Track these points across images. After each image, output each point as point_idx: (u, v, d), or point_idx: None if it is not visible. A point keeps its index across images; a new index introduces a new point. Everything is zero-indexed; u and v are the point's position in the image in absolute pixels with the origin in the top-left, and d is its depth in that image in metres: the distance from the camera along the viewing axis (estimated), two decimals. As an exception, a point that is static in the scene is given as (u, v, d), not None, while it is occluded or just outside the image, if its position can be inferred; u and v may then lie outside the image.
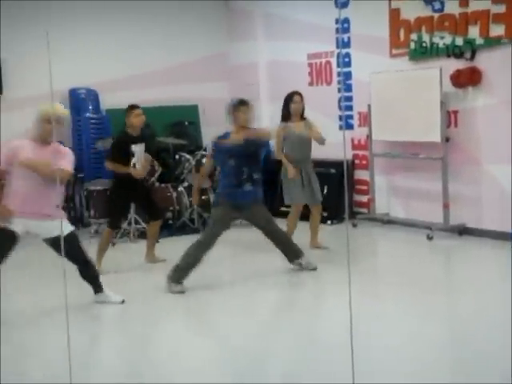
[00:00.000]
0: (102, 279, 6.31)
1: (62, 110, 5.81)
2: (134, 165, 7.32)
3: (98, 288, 6.19)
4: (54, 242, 5.63)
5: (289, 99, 7.91)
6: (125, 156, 7.33)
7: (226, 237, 6.74)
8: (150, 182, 9.27)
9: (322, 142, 7.99)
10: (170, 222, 9.48)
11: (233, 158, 6.49)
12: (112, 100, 10.42)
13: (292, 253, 7.02)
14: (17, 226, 5.64)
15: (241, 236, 8.47)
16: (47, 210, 5.63)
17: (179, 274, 6.47)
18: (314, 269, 7.02)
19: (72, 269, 5.75)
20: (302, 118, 8.01)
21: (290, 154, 7.88)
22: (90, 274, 6.08)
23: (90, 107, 10.43)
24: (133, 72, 10.82)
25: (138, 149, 7.37)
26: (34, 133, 5.76)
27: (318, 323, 5.59)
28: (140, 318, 5.97)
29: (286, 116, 7.95)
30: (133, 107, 7.57)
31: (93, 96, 10.46)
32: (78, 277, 5.97)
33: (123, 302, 6.18)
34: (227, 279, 7.14)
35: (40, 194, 5.61)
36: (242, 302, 6.27)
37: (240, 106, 6.61)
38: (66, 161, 5.70)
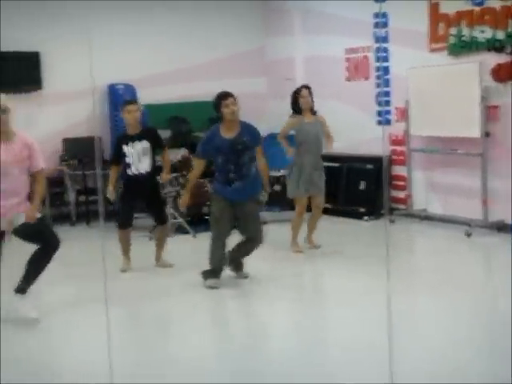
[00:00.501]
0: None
1: (3, 97, 5.52)
2: (129, 165, 7.08)
3: (23, 286, 5.69)
4: (22, 229, 5.55)
5: (296, 94, 7.76)
6: (118, 157, 7.16)
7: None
8: (187, 177, 9.31)
9: (330, 146, 7.86)
10: (207, 217, 9.47)
11: (220, 155, 6.37)
12: (150, 95, 10.47)
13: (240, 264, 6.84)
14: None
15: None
16: (24, 205, 5.59)
17: (207, 271, 6.55)
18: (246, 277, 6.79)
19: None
20: (313, 112, 7.86)
21: (300, 148, 7.73)
22: (36, 262, 5.67)
23: (130, 99, 10.47)
24: (170, 67, 10.87)
25: (132, 149, 7.08)
26: None
27: (354, 321, 5.54)
28: (167, 314, 6.00)
29: (296, 111, 7.78)
30: (126, 102, 7.32)
31: (131, 91, 10.52)
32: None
33: (36, 319, 5.65)
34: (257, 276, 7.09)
35: (16, 192, 5.53)
36: (274, 300, 6.24)
37: (221, 100, 6.40)
38: (40, 159, 5.68)
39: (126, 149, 7.08)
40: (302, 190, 7.75)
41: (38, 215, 5.67)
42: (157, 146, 7.26)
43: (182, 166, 9.31)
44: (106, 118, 10.56)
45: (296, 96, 7.76)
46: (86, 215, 10.03)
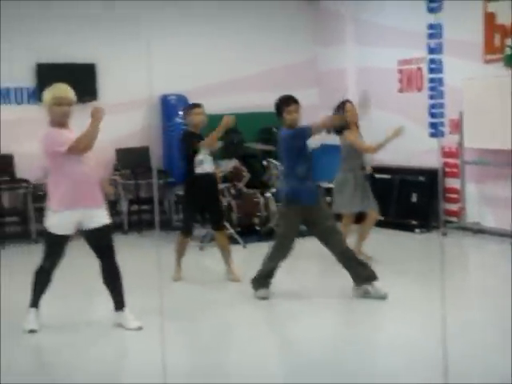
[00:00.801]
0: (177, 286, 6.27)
1: (69, 90, 5.55)
2: (201, 161, 7.03)
3: (119, 303, 5.70)
4: (92, 233, 5.50)
5: (340, 109, 7.54)
6: (193, 152, 7.03)
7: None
8: (238, 188, 9.36)
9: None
10: (257, 227, 9.51)
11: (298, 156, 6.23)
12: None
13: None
14: (69, 218, 5.42)
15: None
16: (99, 197, 5.53)
17: (259, 280, 6.44)
18: (383, 297, 6.29)
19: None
20: (357, 126, 7.71)
21: (349, 161, 7.59)
22: (115, 276, 5.63)
23: (180, 113, 10.59)
24: (222, 78, 10.94)
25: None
26: (50, 119, 5.52)
27: (407, 335, 5.48)
28: (221, 325, 5.95)
29: (342, 127, 7.53)
30: (194, 105, 7.32)
31: (183, 102, 10.61)
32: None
33: (140, 328, 5.61)
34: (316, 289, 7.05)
35: (92, 181, 5.47)
36: (327, 311, 6.21)
37: (284, 106, 6.27)
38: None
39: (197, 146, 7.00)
40: (356, 205, 7.59)
41: (107, 221, 5.61)
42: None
43: (233, 177, 9.35)
44: (157, 128, 10.68)
45: (340, 111, 7.53)
46: (137, 224, 10.14)
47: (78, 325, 5.84)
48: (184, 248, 7.20)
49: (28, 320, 5.54)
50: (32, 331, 5.50)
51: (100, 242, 5.54)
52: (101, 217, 5.54)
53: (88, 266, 6.01)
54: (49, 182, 5.55)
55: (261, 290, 6.42)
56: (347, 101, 7.69)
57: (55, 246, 5.51)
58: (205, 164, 7.04)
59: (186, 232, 7.15)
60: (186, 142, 7.09)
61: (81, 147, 5.36)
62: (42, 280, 5.57)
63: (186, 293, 6.83)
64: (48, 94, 5.48)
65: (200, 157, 7.00)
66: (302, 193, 6.22)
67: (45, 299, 5.68)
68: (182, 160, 7.27)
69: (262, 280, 6.44)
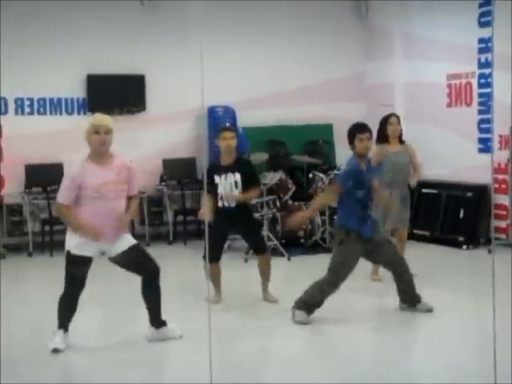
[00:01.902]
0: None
1: (107, 118, 5.47)
2: (221, 197, 6.71)
3: (157, 319, 5.64)
4: (122, 257, 5.47)
5: (385, 121, 7.55)
6: (212, 185, 6.70)
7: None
8: (283, 200, 9.36)
9: (415, 179, 7.62)
10: (302, 240, 9.50)
11: (362, 189, 6.13)
12: (249, 118, 10.61)
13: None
14: (91, 249, 5.42)
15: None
16: (121, 229, 5.48)
17: (306, 307, 6.16)
18: (430, 310, 6.34)
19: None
20: (401, 141, 7.59)
21: (384, 178, 7.25)
22: (154, 291, 5.57)
23: (228, 125, 10.64)
24: (269, 91, 10.97)
25: (224, 181, 6.70)
26: (90, 149, 5.45)
27: (458, 351, 5.41)
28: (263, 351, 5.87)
29: (382, 138, 7.52)
30: (222, 129, 6.95)
31: (230, 114, 10.69)
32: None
33: (181, 337, 5.62)
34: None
35: (114, 214, 5.40)
36: (367, 331, 6.16)
37: (357, 133, 6.20)
38: (136, 185, 5.61)
39: (218, 179, 6.73)
40: (388, 225, 7.42)
41: (133, 241, 5.56)
42: (249, 182, 6.79)
43: (278, 189, 9.35)
44: (204, 139, 10.76)
45: (384, 123, 7.54)
46: (183, 235, 10.21)
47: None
48: (215, 275, 6.87)
49: (54, 340, 5.42)
50: (56, 350, 5.38)
51: (131, 262, 5.50)
52: (123, 243, 5.48)
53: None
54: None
55: (303, 314, 6.13)
56: (393, 114, 7.67)
57: (77, 269, 5.43)
58: (224, 199, 6.74)
59: (210, 258, 6.77)
60: (207, 175, 6.82)
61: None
62: (66, 306, 5.48)
63: (225, 316, 6.44)
64: (88, 122, 5.45)
65: (219, 190, 6.72)
66: (363, 225, 6.14)
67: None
68: None
69: (308, 306, 6.15)
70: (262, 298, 6.93)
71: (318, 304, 6.15)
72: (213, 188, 6.70)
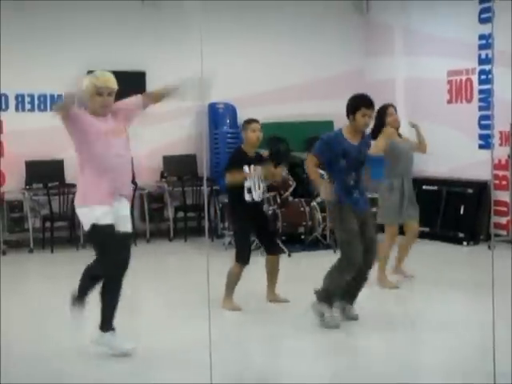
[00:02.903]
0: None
1: (111, 78, 5.13)
2: (249, 190, 6.36)
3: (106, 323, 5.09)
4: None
5: (382, 112, 7.13)
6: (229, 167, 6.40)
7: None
8: (283, 197, 9.36)
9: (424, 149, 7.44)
10: (302, 236, 9.51)
11: (344, 159, 5.75)
12: (249, 115, 10.52)
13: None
14: (108, 217, 4.96)
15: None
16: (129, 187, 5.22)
17: (330, 298, 5.80)
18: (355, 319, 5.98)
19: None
20: (398, 134, 7.28)
21: (391, 169, 7.14)
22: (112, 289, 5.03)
23: (228, 121, 10.66)
24: (270, 87, 10.97)
25: (253, 172, 6.40)
26: (88, 107, 5.07)
27: (457, 347, 5.42)
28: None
29: (379, 131, 7.10)
30: (251, 120, 6.64)
31: (231, 110, 10.69)
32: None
33: (132, 349, 5.08)
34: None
35: (127, 168, 5.14)
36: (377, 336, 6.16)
37: (361, 107, 5.81)
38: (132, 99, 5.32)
39: (246, 169, 6.38)
40: (403, 216, 7.16)
41: (105, 221, 4.96)
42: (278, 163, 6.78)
43: (279, 186, 9.35)
44: (205, 136, 10.76)
45: (382, 115, 7.11)
46: (183, 232, 10.21)
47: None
48: (238, 278, 6.43)
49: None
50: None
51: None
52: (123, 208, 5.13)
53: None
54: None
55: (332, 320, 5.80)
56: (390, 105, 7.33)
57: (113, 242, 4.93)
58: (253, 192, 6.40)
59: (243, 262, 6.36)
60: (230, 165, 6.43)
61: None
62: (92, 280, 5.04)
63: (236, 319, 6.33)
64: (89, 81, 5.05)
65: (248, 183, 6.38)
66: (350, 197, 5.80)
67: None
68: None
69: (329, 298, 5.82)
70: (267, 301, 6.64)
71: (338, 292, 5.79)
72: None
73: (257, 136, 6.46)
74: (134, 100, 5.41)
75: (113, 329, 5.09)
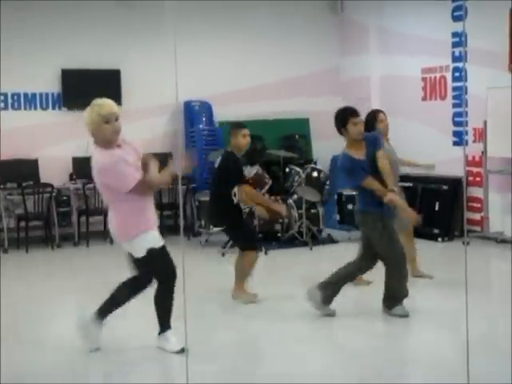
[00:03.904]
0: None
1: (113, 105, 5.08)
2: (235, 194, 6.61)
3: (166, 325, 5.27)
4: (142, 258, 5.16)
5: (372, 118, 6.90)
6: (241, 179, 6.70)
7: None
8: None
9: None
10: (279, 234, 9.53)
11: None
12: (225, 112, 10.61)
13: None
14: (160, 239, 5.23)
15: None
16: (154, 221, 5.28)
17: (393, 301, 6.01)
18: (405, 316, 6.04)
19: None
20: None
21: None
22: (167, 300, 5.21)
23: (204, 119, 10.65)
24: (246, 85, 10.99)
25: (247, 174, 6.67)
26: (97, 139, 5.03)
27: (431, 343, 5.47)
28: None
29: None
30: (240, 125, 6.77)
31: (206, 108, 10.69)
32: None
33: (182, 350, 5.06)
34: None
35: (150, 207, 5.23)
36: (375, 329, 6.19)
37: (350, 117, 5.87)
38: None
39: (246, 172, 6.77)
40: (404, 223, 6.96)
41: (159, 244, 5.23)
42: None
43: (255, 183, 9.35)
44: (180, 134, 10.75)
45: (372, 121, 6.85)
46: (160, 230, 10.14)
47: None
48: (254, 265, 6.62)
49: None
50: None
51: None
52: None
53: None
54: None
55: (397, 308, 6.00)
56: (380, 111, 7.17)
57: (166, 258, 5.20)
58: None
59: (255, 246, 6.65)
60: (233, 171, 6.59)
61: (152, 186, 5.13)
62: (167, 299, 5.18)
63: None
64: (93, 112, 4.98)
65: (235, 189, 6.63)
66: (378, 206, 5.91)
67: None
68: (222, 183, 6.63)
69: (395, 299, 6.03)
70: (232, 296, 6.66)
71: (403, 290, 6.01)
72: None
73: (247, 141, 6.63)
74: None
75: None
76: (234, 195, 6.60)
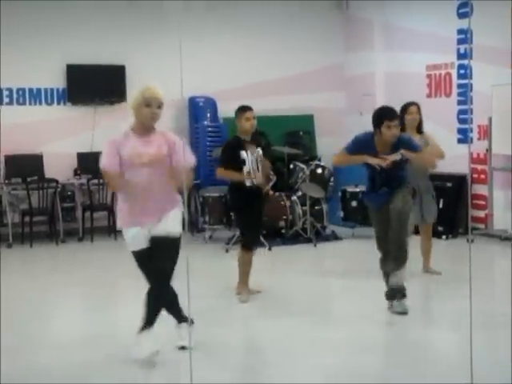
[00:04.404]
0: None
1: (160, 91, 5.06)
2: (248, 173, 6.36)
3: (180, 315, 5.02)
4: (159, 241, 4.84)
5: (403, 110, 7.02)
6: (235, 163, 6.36)
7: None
8: (265, 191, 9.36)
9: (433, 164, 6.83)
10: (283, 231, 9.52)
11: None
12: (229, 108, 10.56)
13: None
14: (143, 239, 4.86)
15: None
16: (169, 204, 4.94)
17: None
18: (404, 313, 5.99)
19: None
20: (419, 131, 7.19)
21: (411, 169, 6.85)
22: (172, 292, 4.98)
23: (208, 115, 10.65)
24: (250, 81, 10.98)
25: (250, 156, 6.37)
26: (135, 122, 5.04)
27: (435, 340, 5.47)
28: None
29: (400, 128, 6.85)
30: (243, 109, 6.50)
31: (211, 104, 10.68)
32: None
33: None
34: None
35: (162, 190, 4.89)
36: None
37: (385, 120, 5.76)
38: (181, 156, 4.92)
39: (244, 155, 6.37)
40: (424, 217, 7.19)
41: (178, 232, 4.94)
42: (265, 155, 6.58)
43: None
44: (185, 130, 10.75)
45: (402, 113, 6.92)
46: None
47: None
48: (250, 264, 6.48)
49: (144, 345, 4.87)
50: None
51: (158, 253, 4.86)
52: (165, 225, 4.90)
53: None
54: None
55: (396, 305, 6.01)
56: (413, 103, 7.13)
57: (141, 264, 4.90)
58: (253, 175, 6.40)
59: (250, 245, 6.46)
60: (221, 152, 6.50)
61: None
62: (149, 300, 4.91)
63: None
64: (137, 93, 5.02)
65: (247, 167, 6.38)
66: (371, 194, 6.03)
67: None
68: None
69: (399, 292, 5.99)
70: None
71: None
72: (236, 165, 6.35)
73: (251, 124, 6.40)
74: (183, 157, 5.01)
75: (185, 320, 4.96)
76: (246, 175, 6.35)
